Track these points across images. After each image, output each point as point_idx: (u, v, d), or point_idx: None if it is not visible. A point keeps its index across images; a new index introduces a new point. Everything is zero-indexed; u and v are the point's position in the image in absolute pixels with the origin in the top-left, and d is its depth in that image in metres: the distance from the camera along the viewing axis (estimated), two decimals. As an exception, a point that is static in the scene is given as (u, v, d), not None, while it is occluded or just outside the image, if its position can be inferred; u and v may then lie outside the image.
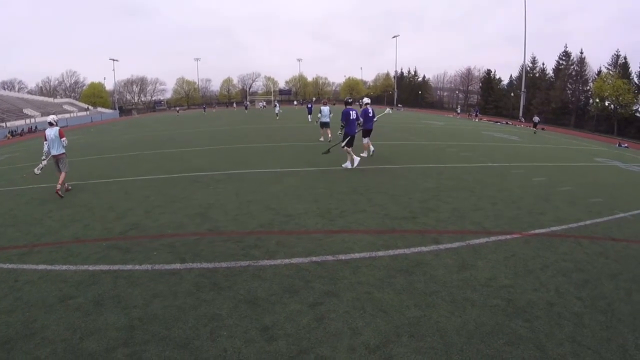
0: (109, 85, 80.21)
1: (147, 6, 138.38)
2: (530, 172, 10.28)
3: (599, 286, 3.86)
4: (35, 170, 8.19)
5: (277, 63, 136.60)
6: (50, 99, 67.91)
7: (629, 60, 45.54)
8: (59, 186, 7.61)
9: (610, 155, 17.61)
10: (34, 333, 3.03)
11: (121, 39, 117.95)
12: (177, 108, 71.77)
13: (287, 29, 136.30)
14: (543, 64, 56.78)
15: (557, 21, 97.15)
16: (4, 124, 41.85)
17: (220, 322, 3.14)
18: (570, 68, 51.64)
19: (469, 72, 73.36)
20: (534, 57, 57.00)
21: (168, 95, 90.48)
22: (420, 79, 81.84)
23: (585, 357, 2.76)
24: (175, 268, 4.14)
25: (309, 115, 27.16)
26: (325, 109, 15.24)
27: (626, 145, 28.01)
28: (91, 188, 8.31)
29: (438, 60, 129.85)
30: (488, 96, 63.11)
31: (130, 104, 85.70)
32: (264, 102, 69.94)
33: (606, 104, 44.07)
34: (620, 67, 45.40)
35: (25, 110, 52.80)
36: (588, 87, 49.73)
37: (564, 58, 52.49)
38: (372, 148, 11.50)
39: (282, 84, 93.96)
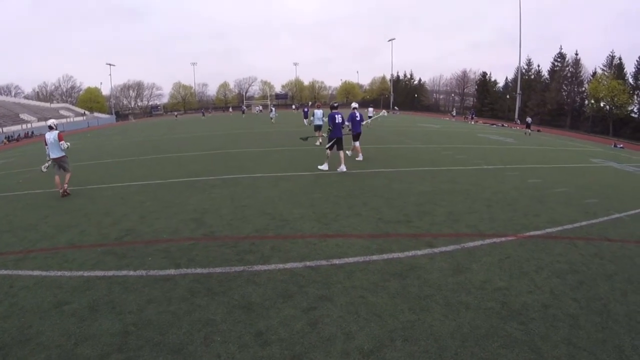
0: (105, 90, 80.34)
1: (144, 11, 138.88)
2: (526, 174, 10.32)
3: (595, 287, 3.87)
4: (42, 167, 8.58)
5: (273, 67, 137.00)
6: (47, 104, 67.77)
7: (623, 61, 46.00)
8: (65, 186, 8.08)
9: (606, 156, 17.71)
10: (29, 339, 3.02)
11: (117, 44, 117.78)
12: (176, 113, 72.64)
13: (283, 33, 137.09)
14: (538, 66, 57.21)
15: (552, 23, 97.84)
16: (0, 129, 41.68)
17: (214, 327, 3.13)
18: (566, 69, 51.95)
19: (464, 74, 73.84)
20: (529, 59, 57.45)
21: (165, 100, 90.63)
22: (416, 82, 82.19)
23: (581, 358, 2.76)
24: (169, 274, 4.12)
25: (305, 120, 27.35)
26: (319, 112, 15.67)
27: (622, 145, 28.19)
28: (87, 193, 8.28)
29: (434, 63, 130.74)
30: (484, 99, 63.35)
31: (126, 109, 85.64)
32: (261, 107, 70.10)
33: (601, 104, 44.33)
34: (615, 67, 45.73)
35: (22, 116, 52.65)
36: (583, 89, 50.00)
37: (559, 60, 52.85)
38: (360, 156, 11.70)
39: (278, 88, 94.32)
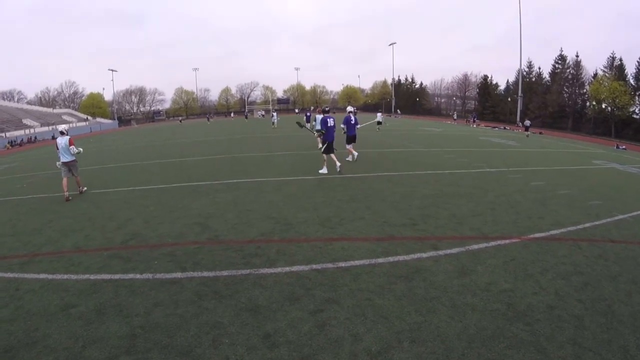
0: (108, 96, 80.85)
1: (146, 17, 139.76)
2: (529, 176, 10.32)
3: (599, 288, 3.88)
4: (57, 164, 8.84)
5: (275, 72, 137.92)
6: (50, 110, 68.19)
7: (624, 62, 45.91)
8: (81, 188, 8.82)
9: (609, 158, 17.69)
10: (36, 342, 3.03)
11: (120, 50, 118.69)
12: (180, 118, 73.85)
13: (285, 38, 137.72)
14: (539, 68, 57.14)
15: (552, 26, 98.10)
16: (3, 134, 41.91)
17: (222, 330, 3.15)
18: (567, 71, 51.87)
19: (465, 78, 73.74)
20: (530, 62, 57.39)
21: (167, 105, 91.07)
22: (417, 86, 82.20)
23: (587, 359, 2.77)
24: (176, 277, 4.15)
25: (307, 124, 27.51)
26: (319, 117, 15.83)
27: (624, 147, 28.10)
28: (91, 198, 8.32)
29: (435, 66, 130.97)
30: (485, 102, 63.30)
31: (129, 114, 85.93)
32: (263, 112, 70.32)
33: (603, 106, 44.18)
34: (616, 69, 45.61)
35: (25, 121, 52.93)
36: (584, 90, 49.85)
37: (559, 62, 52.79)
38: (355, 154, 12.04)
39: (280, 93, 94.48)
